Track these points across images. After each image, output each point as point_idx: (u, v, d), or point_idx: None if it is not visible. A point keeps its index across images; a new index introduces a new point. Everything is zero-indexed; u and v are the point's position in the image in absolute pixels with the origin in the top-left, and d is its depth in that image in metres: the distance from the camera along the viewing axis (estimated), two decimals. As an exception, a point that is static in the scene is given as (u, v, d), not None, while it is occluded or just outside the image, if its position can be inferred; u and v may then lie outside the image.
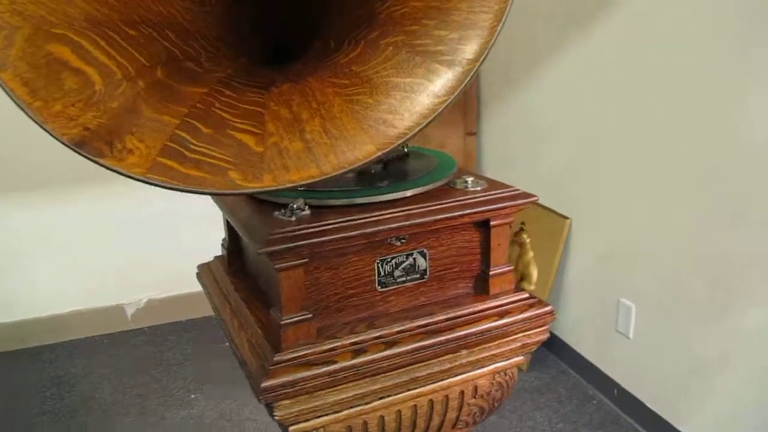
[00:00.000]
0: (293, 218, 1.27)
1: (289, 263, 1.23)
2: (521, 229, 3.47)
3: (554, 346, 3.00)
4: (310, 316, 1.28)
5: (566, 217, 2.87)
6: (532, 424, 2.57)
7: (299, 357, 1.26)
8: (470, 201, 1.37)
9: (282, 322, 1.27)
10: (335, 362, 1.26)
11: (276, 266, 1.23)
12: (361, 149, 0.86)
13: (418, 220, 1.30)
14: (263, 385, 1.20)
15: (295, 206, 1.28)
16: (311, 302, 1.30)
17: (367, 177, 1.43)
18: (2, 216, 3.10)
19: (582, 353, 2.87)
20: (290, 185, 0.86)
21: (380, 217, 1.28)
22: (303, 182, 0.85)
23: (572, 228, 2.80)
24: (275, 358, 1.25)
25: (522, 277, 3.05)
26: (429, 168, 1.49)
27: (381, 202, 1.32)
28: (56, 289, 3.30)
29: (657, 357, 2.31)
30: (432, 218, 1.31)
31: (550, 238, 3.02)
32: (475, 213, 1.36)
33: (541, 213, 3.11)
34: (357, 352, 1.29)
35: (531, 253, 3.43)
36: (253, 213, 1.33)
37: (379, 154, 0.80)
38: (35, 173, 2.99)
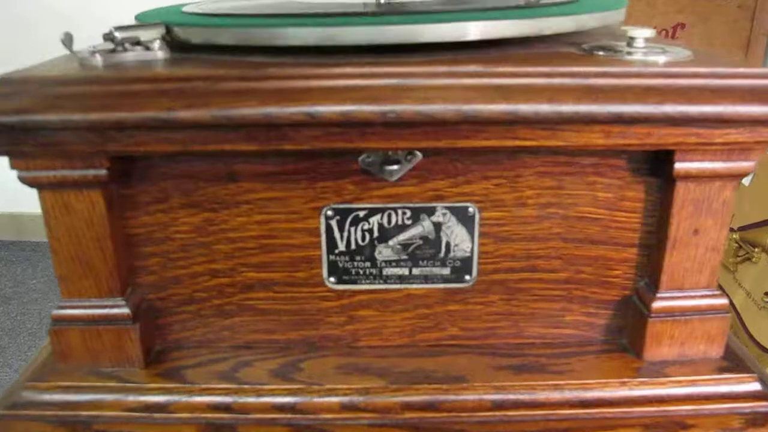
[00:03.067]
0: (99, 61, 0.48)
1: (51, 173, 0.47)
2: None
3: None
4: (125, 312, 0.51)
5: None
6: None
7: (72, 407, 0.50)
8: (632, 82, 0.45)
9: (53, 314, 0.51)
10: (149, 447, 0.48)
11: (19, 174, 0.47)
12: None
13: (458, 119, 0.43)
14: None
15: (121, 36, 0.49)
16: (145, 278, 0.52)
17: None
18: None
19: None
20: None
21: (330, 80, 0.44)
22: None
23: None
24: (14, 397, 0.51)
25: None
26: None
27: (369, 49, 0.47)
28: None
29: None
30: (505, 118, 0.44)
31: None
32: (639, 127, 0.45)
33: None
34: (215, 435, 0.49)
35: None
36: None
37: None
38: None
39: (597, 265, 0.54)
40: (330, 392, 0.51)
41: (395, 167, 0.49)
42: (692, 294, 0.53)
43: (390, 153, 0.49)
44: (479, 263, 0.53)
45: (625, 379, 0.52)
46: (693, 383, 0.52)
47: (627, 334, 0.56)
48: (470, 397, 0.51)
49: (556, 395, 0.51)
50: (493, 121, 0.44)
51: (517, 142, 0.45)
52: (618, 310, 0.56)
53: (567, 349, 0.56)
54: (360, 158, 0.49)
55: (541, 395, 0.51)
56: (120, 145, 0.45)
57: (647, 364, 0.54)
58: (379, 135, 0.45)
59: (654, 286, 0.53)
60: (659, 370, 0.53)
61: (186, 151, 0.46)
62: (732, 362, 0.54)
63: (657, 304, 0.53)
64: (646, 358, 0.54)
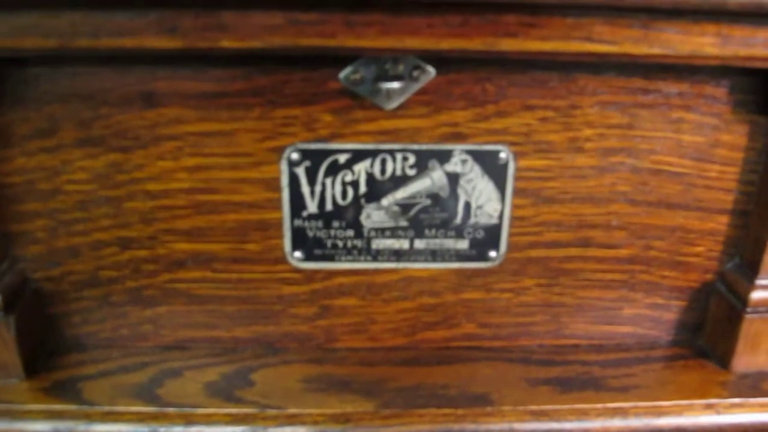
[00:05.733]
0: None
1: None
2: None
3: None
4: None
5: None
6: None
7: None
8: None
9: None
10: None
11: None
12: None
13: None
14: None
15: None
16: (25, 249, 0.35)
17: None
18: None
19: None
20: None
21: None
22: None
23: None
24: None
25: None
26: None
27: None
28: None
29: None
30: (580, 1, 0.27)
31: None
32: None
33: None
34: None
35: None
36: None
37: None
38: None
39: (673, 238, 0.39)
40: (293, 420, 0.35)
41: (395, 86, 0.32)
42: (809, 281, 0.38)
43: (388, 64, 0.32)
44: (511, 234, 0.37)
45: (712, 400, 0.37)
46: (807, 406, 0.37)
47: (706, 335, 0.41)
48: (496, 426, 0.35)
49: (616, 423, 0.36)
50: (560, 6, 0.27)
51: (590, 47, 0.29)
52: (695, 302, 0.41)
53: (624, 355, 0.41)
54: (343, 72, 0.32)
55: (597, 423, 0.36)
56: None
57: (738, 378, 0.39)
58: (375, 27, 0.28)
59: (750, 269, 0.38)
60: (756, 386, 0.38)
61: (71, 50, 0.29)
62: None
63: (756, 295, 0.37)
64: (736, 369, 0.39)
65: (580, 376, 0.38)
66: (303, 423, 0.35)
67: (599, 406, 0.36)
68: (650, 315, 0.41)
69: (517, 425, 0.36)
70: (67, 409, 0.35)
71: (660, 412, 0.36)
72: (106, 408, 0.35)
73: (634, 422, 0.36)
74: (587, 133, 0.35)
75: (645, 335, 0.41)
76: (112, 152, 0.35)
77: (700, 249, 0.39)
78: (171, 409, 0.35)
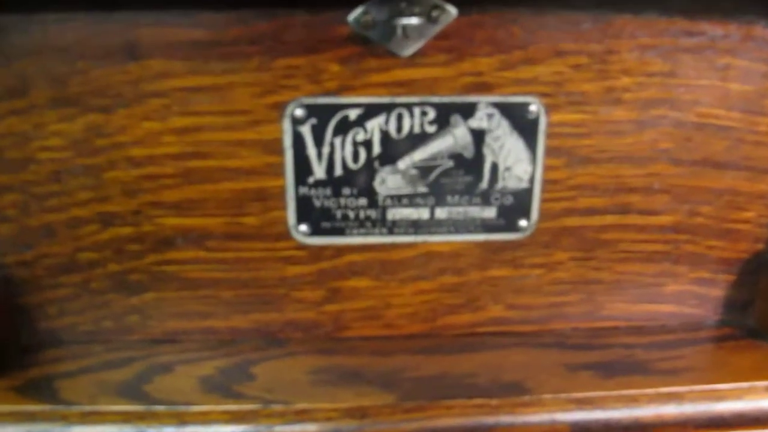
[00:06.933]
0: None
1: None
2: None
3: None
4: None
5: None
6: None
7: None
8: None
9: None
10: None
11: None
12: None
13: None
14: None
15: None
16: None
17: None
18: None
19: None
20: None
21: None
22: None
23: None
24: None
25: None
26: None
27: None
28: None
29: None
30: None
31: None
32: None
33: None
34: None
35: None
36: None
37: None
38: None
39: (720, 202, 0.35)
40: (303, 416, 0.30)
41: (413, 21, 0.28)
42: None
43: (403, 4, 0.28)
44: (543, 200, 0.33)
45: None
46: None
47: (757, 312, 0.37)
48: (535, 417, 0.31)
49: (671, 410, 0.32)
50: None
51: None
52: (744, 276, 0.37)
53: (669, 337, 0.36)
54: (352, 15, 0.28)
55: (649, 410, 0.32)
56: None
57: (800, 356, 0.35)
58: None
59: (807, 235, 0.34)
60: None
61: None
62: None
63: (818, 263, 0.34)
64: (796, 347, 0.35)
65: (623, 360, 0.34)
66: (314, 420, 0.30)
67: (650, 391, 0.32)
68: (695, 291, 0.37)
69: (559, 415, 0.31)
70: (41, 409, 0.30)
71: (719, 397, 0.32)
72: (87, 408, 0.30)
73: (689, 408, 0.32)
74: (625, 82, 0.32)
75: (690, 315, 0.37)
76: (90, 113, 0.30)
77: (749, 215, 0.35)
78: (161, 408, 0.30)
